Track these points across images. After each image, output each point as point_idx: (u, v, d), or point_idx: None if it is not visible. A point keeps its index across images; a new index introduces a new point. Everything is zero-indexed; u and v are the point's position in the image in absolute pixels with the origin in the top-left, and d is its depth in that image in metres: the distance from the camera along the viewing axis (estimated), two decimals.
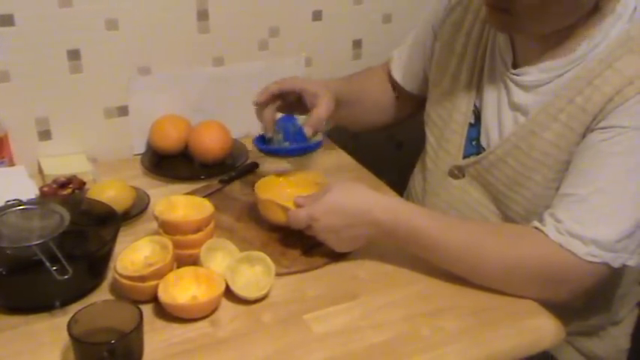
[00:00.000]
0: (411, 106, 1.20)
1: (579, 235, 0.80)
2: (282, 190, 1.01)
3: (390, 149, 1.56)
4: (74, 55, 1.13)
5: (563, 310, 0.84)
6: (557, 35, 0.88)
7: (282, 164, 1.14)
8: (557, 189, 0.87)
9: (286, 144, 1.06)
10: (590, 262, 0.80)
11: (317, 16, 1.31)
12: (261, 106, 1.04)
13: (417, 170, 1.16)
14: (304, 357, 0.76)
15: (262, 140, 1.07)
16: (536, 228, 0.83)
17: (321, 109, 1.01)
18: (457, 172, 1.02)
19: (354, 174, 1.20)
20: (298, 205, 0.89)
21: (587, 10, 0.85)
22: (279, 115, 1.08)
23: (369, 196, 0.88)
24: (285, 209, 0.91)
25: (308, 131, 1.00)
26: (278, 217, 0.93)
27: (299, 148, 1.06)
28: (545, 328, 0.81)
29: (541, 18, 0.84)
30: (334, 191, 0.88)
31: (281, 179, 1.03)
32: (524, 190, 0.92)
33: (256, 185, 0.98)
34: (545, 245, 0.81)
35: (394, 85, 1.19)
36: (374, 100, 1.19)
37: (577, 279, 0.81)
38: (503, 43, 0.96)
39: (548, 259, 0.81)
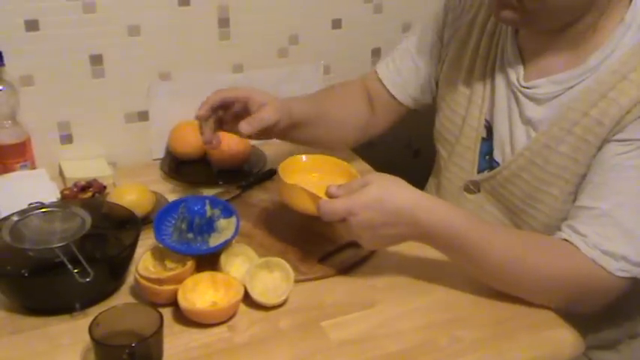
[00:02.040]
0: (393, 119, 1.17)
1: (610, 252, 0.79)
2: (306, 175, 0.95)
3: (406, 157, 1.56)
4: (97, 60, 1.15)
5: (581, 322, 0.83)
6: (567, 45, 0.89)
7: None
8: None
9: (189, 235, 0.86)
10: (620, 277, 0.79)
11: (336, 24, 1.32)
12: (202, 120, 0.98)
13: (430, 185, 1.16)
14: None
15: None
16: (565, 240, 0.82)
17: (265, 112, 0.95)
18: (472, 187, 1.01)
19: None
20: (331, 196, 0.84)
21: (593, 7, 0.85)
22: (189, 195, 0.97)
23: (413, 195, 0.83)
24: (315, 198, 0.85)
25: (243, 127, 0.93)
26: (305, 206, 0.87)
27: (200, 250, 0.86)
28: (564, 340, 0.81)
29: (548, 7, 0.84)
30: (375, 185, 0.82)
31: (307, 161, 0.98)
32: (541, 205, 0.92)
33: (280, 167, 0.93)
34: (578, 258, 0.80)
35: (376, 98, 1.15)
36: (342, 118, 1.13)
37: (604, 292, 0.82)
38: (513, 56, 0.95)
39: (580, 272, 0.81)
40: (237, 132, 0.97)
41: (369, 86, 1.16)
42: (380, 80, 1.14)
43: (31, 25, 1.08)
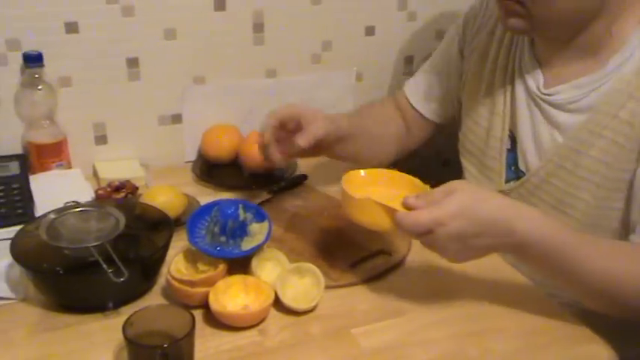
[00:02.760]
0: (425, 134, 1.18)
1: None
2: (370, 189, 0.88)
3: (436, 166, 1.55)
4: (133, 63, 1.16)
5: (614, 337, 0.82)
6: (584, 51, 0.89)
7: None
8: (609, 208, 0.87)
9: (222, 239, 0.87)
10: None
11: (370, 31, 1.32)
12: (269, 146, 0.96)
13: None
14: None
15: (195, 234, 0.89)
16: None
17: (317, 125, 0.94)
18: None
19: None
20: (410, 207, 0.78)
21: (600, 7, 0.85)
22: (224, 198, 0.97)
23: (506, 201, 0.78)
24: (390, 211, 0.78)
25: (300, 141, 0.93)
26: (379, 220, 0.80)
27: (233, 253, 0.87)
28: (598, 356, 0.80)
29: (554, 13, 0.85)
30: (463, 192, 0.76)
31: (366, 176, 0.91)
32: (572, 210, 0.91)
33: (343, 180, 0.86)
34: None
35: (406, 114, 1.17)
36: (381, 134, 1.13)
37: None
38: (530, 64, 0.96)
39: None
40: (291, 148, 0.96)
41: (400, 103, 1.18)
42: (406, 97, 1.16)
43: (71, 28, 1.10)
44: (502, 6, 0.89)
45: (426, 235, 0.76)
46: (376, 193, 0.83)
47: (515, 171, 0.99)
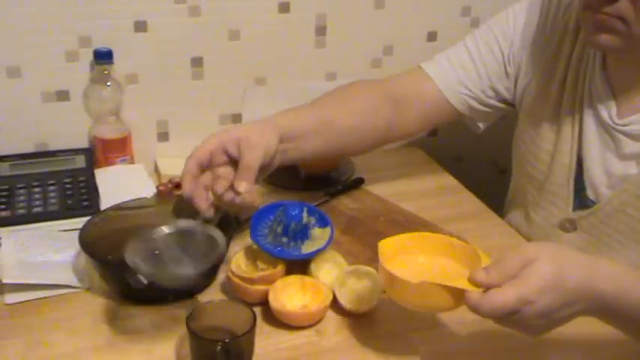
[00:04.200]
0: (432, 121, 1.08)
1: None
2: (411, 258, 0.75)
3: (492, 174, 1.53)
4: (197, 62, 1.19)
5: None
6: None
7: None
8: None
9: (283, 239, 0.87)
10: None
11: (432, 37, 1.32)
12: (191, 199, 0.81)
13: (517, 217, 1.09)
14: None
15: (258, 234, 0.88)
16: None
17: (249, 154, 0.81)
18: (568, 226, 0.97)
19: (458, 197, 1.19)
20: (482, 285, 0.65)
21: None
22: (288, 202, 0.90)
23: (588, 262, 0.69)
24: (457, 292, 0.67)
25: (241, 187, 0.80)
26: (441, 305, 0.69)
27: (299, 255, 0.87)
28: None
29: None
30: (545, 262, 0.65)
31: (408, 241, 0.77)
32: None
33: (380, 252, 0.73)
34: None
35: (410, 98, 1.05)
36: (352, 123, 1.00)
37: None
38: (602, 91, 0.90)
39: None
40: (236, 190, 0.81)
41: (403, 85, 1.07)
42: (427, 78, 1.05)
43: (140, 26, 1.13)
44: (594, 20, 0.79)
45: (510, 317, 0.64)
46: (415, 264, 0.73)
47: (582, 199, 0.95)
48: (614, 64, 0.90)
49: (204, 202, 0.81)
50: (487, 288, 0.65)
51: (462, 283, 0.66)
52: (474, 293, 0.65)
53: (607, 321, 0.71)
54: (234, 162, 0.83)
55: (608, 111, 0.90)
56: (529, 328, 0.67)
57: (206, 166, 0.83)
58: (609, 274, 0.68)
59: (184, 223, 0.80)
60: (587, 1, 0.81)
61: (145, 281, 0.79)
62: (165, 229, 0.79)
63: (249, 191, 0.81)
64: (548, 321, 0.66)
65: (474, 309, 0.65)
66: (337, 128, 0.98)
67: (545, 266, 0.64)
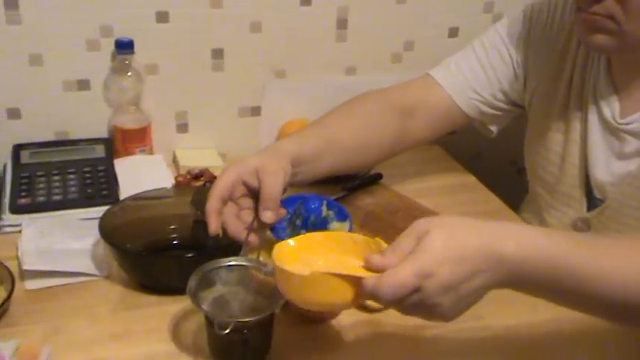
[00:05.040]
0: (444, 127, 1.07)
1: None
2: (311, 259, 0.67)
3: (510, 173, 1.52)
4: (218, 54, 1.19)
5: None
6: None
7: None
8: None
9: (302, 232, 0.86)
10: None
11: (453, 33, 1.31)
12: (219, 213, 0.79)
13: (530, 222, 1.08)
14: None
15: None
16: None
17: (269, 184, 0.79)
18: (581, 225, 0.96)
19: (477, 195, 1.18)
20: (378, 268, 0.61)
21: None
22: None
23: (479, 227, 0.63)
24: (354, 281, 0.61)
25: (266, 218, 0.78)
26: (337, 298, 0.62)
27: None
28: None
29: None
30: (439, 230, 0.61)
31: (298, 245, 0.69)
32: None
33: (273, 256, 0.65)
34: None
35: (420, 105, 1.04)
36: (358, 141, 0.98)
37: None
38: (606, 90, 0.90)
39: None
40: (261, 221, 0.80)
41: (411, 93, 1.06)
42: (436, 85, 1.04)
43: (162, 17, 1.13)
44: (587, 21, 0.80)
45: (412, 297, 0.59)
46: (315, 266, 0.65)
47: (591, 198, 0.94)
48: (617, 64, 0.89)
49: (241, 232, 0.79)
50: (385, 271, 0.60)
51: (359, 271, 0.61)
52: (370, 278, 0.59)
53: (531, 290, 0.65)
54: (252, 193, 0.81)
55: (612, 110, 0.89)
56: (438, 308, 0.61)
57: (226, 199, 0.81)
58: (516, 237, 0.62)
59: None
60: (578, 2, 0.81)
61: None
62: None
63: (274, 221, 0.80)
64: (456, 296, 0.60)
65: (373, 294, 0.59)
66: (344, 147, 0.96)
67: (439, 236, 0.60)
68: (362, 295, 0.61)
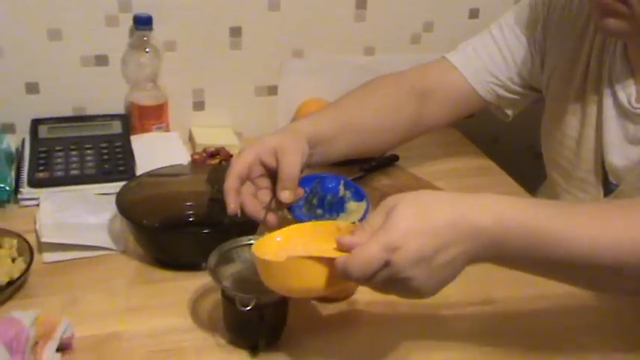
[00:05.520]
0: (460, 111, 1.06)
1: None
2: (290, 251, 0.67)
3: (527, 158, 1.51)
4: (236, 32, 1.18)
5: None
6: None
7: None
8: None
9: (319, 211, 0.85)
10: None
11: (474, 14, 1.29)
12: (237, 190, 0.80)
13: None
14: (439, 354, 0.76)
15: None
16: None
17: (286, 164, 0.80)
18: None
19: (495, 179, 1.17)
20: (349, 247, 0.61)
21: None
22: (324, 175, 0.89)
23: (454, 196, 0.63)
24: (327, 262, 0.61)
25: (284, 197, 0.79)
26: (314, 282, 0.63)
27: None
28: None
29: None
30: (406, 204, 0.61)
31: (279, 237, 0.70)
32: None
33: (253, 249, 0.67)
34: None
35: (437, 89, 1.04)
36: (374, 124, 0.98)
37: None
38: (622, 74, 0.88)
39: None
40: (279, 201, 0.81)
41: (428, 76, 1.05)
42: (452, 68, 1.04)
43: None
44: (599, 5, 0.80)
45: (382, 272, 0.59)
46: (297, 252, 0.66)
47: (606, 183, 0.93)
48: (633, 48, 0.88)
49: (259, 212, 0.80)
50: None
51: (332, 253, 0.61)
52: (341, 257, 0.60)
53: (508, 262, 0.64)
54: (270, 172, 0.82)
55: (627, 95, 0.88)
56: (412, 282, 0.60)
57: (244, 179, 0.82)
58: (494, 209, 0.61)
59: None
60: None
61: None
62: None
63: (292, 200, 0.80)
64: (428, 269, 0.59)
65: (343, 272, 0.59)
66: (359, 130, 0.96)
67: (406, 209, 0.60)
68: (338, 277, 0.61)
